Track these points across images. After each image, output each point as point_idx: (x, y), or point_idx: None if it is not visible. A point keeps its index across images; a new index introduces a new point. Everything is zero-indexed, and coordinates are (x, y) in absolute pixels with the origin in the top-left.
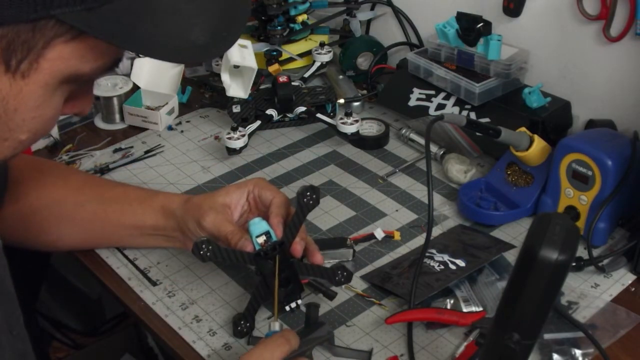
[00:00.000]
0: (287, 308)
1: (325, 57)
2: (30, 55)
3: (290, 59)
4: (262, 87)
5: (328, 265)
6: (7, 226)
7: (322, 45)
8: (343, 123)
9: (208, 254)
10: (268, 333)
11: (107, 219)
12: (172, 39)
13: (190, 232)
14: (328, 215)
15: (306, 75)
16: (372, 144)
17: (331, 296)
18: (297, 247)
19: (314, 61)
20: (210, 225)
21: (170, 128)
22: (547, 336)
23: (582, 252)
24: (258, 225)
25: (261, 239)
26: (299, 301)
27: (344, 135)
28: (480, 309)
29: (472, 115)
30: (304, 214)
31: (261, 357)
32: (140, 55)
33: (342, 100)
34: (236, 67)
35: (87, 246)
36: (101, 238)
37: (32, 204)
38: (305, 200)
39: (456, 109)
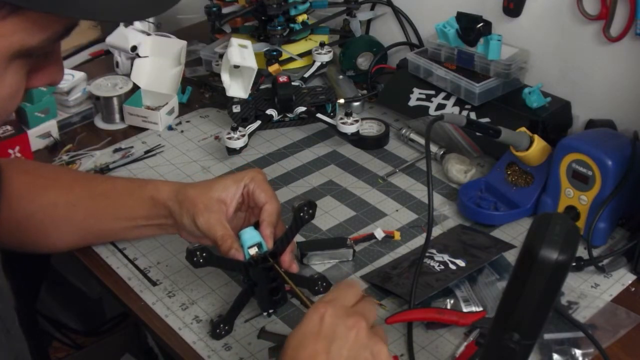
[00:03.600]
0: (265, 314)
1: (325, 57)
2: None
3: (290, 59)
4: (262, 87)
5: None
6: (5, 233)
7: (322, 45)
8: (343, 123)
9: (201, 260)
10: None
11: (100, 214)
12: None
13: (185, 226)
14: (328, 215)
15: (306, 75)
16: (372, 144)
17: (308, 306)
18: (286, 259)
19: (314, 61)
20: (203, 225)
21: (170, 128)
22: (547, 336)
23: (582, 252)
24: (250, 236)
25: (253, 250)
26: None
27: (344, 135)
28: (480, 309)
29: (472, 115)
30: (297, 228)
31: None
32: (140, 55)
33: (342, 100)
34: (236, 67)
35: (86, 243)
36: (97, 234)
37: (26, 209)
38: (301, 214)
39: (456, 109)
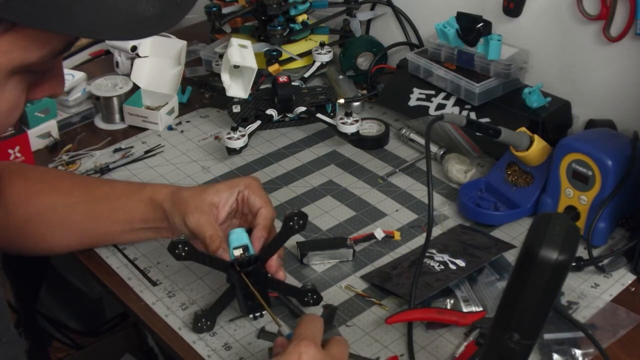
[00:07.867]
0: (251, 316)
1: (325, 57)
2: None
3: (290, 59)
4: (262, 87)
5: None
6: (3, 238)
7: (322, 45)
8: (343, 123)
9: (183, 254)
10: (289, 335)
11: (98, 218)
12: (117, 15)
13: (176, 227)
14: (328, 215)
15: (306, 75)
16: (372, 144)
17: (297, 314)
18: (272, 265)
19: (314, 61)
20: (193, 224)
21: (170, 128)
22: (547, 336)
23: (582, 252)
24: (238, 237)
25: (238, 252)
26: (263, 312)
27: (344, 135)
28: (480, 309)
29: (472, 115)
30: (286, 237)
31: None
32: (140, 55)
33: (342, 100)
34: (236, 67)
35: (84, 246)
36: (95, 237)
37: (23, 214)
38: (291, 224)
39: (456, 109)
